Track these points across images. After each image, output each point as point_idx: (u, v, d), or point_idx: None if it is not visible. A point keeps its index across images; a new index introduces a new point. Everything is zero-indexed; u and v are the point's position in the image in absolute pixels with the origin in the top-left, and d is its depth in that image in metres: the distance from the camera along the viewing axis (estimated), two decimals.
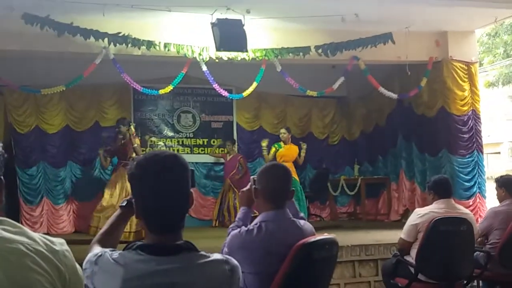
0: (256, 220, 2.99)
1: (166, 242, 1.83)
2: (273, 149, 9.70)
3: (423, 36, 9.08)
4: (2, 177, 1.67)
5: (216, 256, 1.89)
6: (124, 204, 2.32)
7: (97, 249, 2.00)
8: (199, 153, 11.25)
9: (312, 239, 2.94)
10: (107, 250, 1.91)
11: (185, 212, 1.93)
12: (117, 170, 8.94)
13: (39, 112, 10.20)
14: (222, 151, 11.03)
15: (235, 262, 1.93)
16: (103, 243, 2.18)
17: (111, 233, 2.29)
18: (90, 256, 1.90)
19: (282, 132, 9.87)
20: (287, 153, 9.62)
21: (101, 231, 2.30)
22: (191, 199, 1.94)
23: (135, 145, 8.79)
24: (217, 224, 10.35)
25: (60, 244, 1.60)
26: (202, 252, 1.86)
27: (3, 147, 1.69)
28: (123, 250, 1.87)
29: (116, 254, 1.85)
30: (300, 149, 9.87)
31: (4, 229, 1.51)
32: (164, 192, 1.87)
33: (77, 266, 1.63)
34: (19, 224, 1.56)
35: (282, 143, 9.76)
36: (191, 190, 1.97)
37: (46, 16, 7.23)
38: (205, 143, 11.41)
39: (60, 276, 1.53)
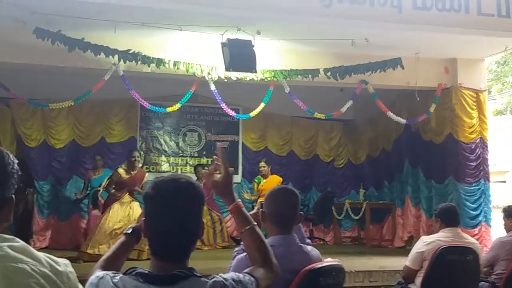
0: None
1: (165, 270, 1.79)
2: (255, 185, 9.88)
3: (432, 62, 9.09)
4: (13, 195, 1.66)
5: (214, 280, 1.83)
6: (129, 231, 2.29)
7: (99, 272, 1.97)
8: None
9: (319, 265, 2.90)
10: (110, 273, 1.88)
11: (192, 241, 1.88)
12: (122, 198, 8.52)
13: (47, 126, 10.24)
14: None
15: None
16: (105, 269, 2.12)
17: (114, 260, 2.25)
18: (92, 278, 1.88)
19: (262, 165, 9.98)
20: (268, 186, 9.62)
21: (104, 257, 2.26)
22: (200, 230, 1.89)
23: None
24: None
25: (64, 265, 1.60)
26: (203, 278, 1.81)
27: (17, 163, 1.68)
28: (124, 273, 1.84)
29: (116, 278, 1.82)
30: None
31: (10, 247, 1.51)
32: (172, 216, 1.83)
33: (80, 287, 1.64)
34: (25, 244, 1.56)
35: (261, 177, 9.90)
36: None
37: (57, 31, 7.27)
38: (210, 162, 11.37)
39: None
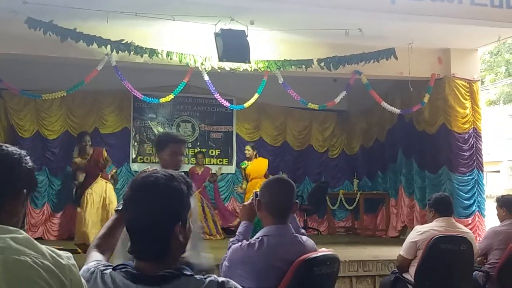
0: (258, 234, 2.96)
1: (146, 270, 1.75)
2: (242, 171, 9.99)
3: (425, 53, 9.09)
4: (25, 190, 1.69)
5: (210, 279, 1.77)
6: (120, 208, 2.26)
7: (92, 260, 1.95)
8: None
9: (314, 254, 2.91)
10: (100, 265, 1.86)
11: (165, 241, 1.76)
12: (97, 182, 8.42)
13: (40, 117, 10.20)
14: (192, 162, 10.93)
15: (230, 284, 1.82)
16: (100, 248, 2.15)
17: (108, 237, 2.26)
18: (83, 271, 1.84)
19: (247, 149, 10.03)
20: (254, 169, 9.69)
21: (98, 235, 2.27)
22: (176, 228, 1.78)
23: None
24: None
25: (67, 258, 1.60)
26: (198, 276, 1.76)
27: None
28: (113, 269, 1.81)
29: (106, 273, 1.80)
30: (276, 168, 9.97)
31: (12, 238, 1.51)
32: (142, 213, 1.77)
33: (82, 280, 1.63)
34: (28, 236, 1.56)
35: (246, 161, 9.93)
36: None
37: (49, 21, 7.21)
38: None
39: None
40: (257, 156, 10.00)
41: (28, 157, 1.71)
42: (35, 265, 1.49)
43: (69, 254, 1.62)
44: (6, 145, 1.70)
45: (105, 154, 8.59)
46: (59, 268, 1.54)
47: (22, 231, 1.57)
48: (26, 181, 1.70)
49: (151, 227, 1.76)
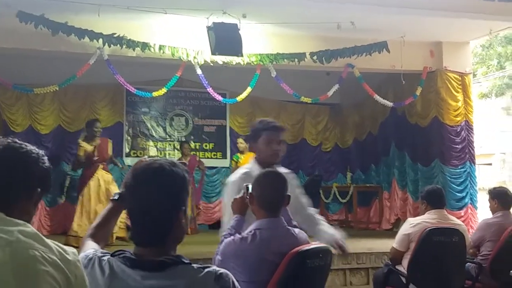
0: (251, 228, 2.96)
1: (146, 255, 1.77)
2: (233, 163, 9.84)
3: (418, 46, 9.10)
4: (39, 189, 1.71)
5: (208, 270, 1.78)
6: (116, 197, 2.29)
7: (89, 248, 1.96)
8: None
9: (306, 247, 2.92)
10: (98, 253, 1.88)
11: (167, 226, 1.80)
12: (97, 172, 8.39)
13: (32, 112, 10.16)
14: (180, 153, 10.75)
15: (229, 277, 1.82)
16: (95, 237, 2.16)
17: (103, 226, 2.26)
18: (81, 258, 1.85)
19: (240, 141, 9.96)
20: (247, 161, 9.54)
21: (93, 224, 2.27)
22: (179, 215, 1.83)
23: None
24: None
25: (73, 253, 1.61)
26: (195, 265, 1.77)
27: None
28: (111, 255, 1.83)
29: (104, 259, 1.82)
30: None
31: (20, 232, 1.52)
32: (142, 203, 1.80)
33: (85, 276, 1.65)
34: (36, 230, 1.57)
35: (239, 154, 9.86)
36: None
37: (40, 14, 7.18)
38: (197, 147, 11.37)
39: (69, 286, 1.55)
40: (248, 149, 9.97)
41: (45, 157, 1.76)
42: (42, 259, 1.49)
43: (74, 250, 1.64)
44: (25, 143, 1.74)
45: (111, 145, 8.65)
46: (66, 263, 1.55)
47: (29, 225, 1.58)
48: (42, 180, 1.73)
49: (157, 212, 1.79)
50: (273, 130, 3.60)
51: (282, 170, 3.51)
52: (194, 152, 10.93)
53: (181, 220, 1.83)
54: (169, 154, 11.13)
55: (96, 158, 8.32)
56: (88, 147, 8.32)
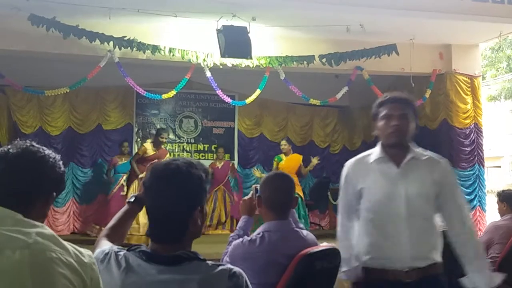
0: (259, 230, 2.95)
1: (163, 251, 1.81)
2: (275, 164, 9.71)
3: (427, 49, 9.10)
4: (55, 193, 1.75)
5: (222, 267, 1.82)
6: (132, 200, 2.35)
7: (105, 245, 2.00)
8: (199, 158, 11.19)
9: (315, 249, 2.92)
10: (114, 248, 1.92)
11: (183, 224, 1.84)
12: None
13: (43, 113, 10.22)
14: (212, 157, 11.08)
15: (243, 276, 1.86)
16: (110, 237, 2.19)
17: (118, 228, 2.30)
18: (98, 253, 1.90)
19: (283, 143, 9.86)
20: (288, 164, 9.48)
21: (108, 225, 2.30)
22: (196, 213, 1.87)
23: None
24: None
25: (88, 256, 1.64)
26: (210, 262, 1.82)
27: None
28: (127, 250, 1.87)
29: (121, 254, 1.86)
30: (308, 160, 9.71)
31: (38, 234, 1.55)
32: (159, 202, 1.84)
33: (100, 279, 1.67)
34: (53, 232, 1.60)
35: (282, 155, 9.74)
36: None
37: (52, 17, 7.25)
38: (206, 148, 11.41)
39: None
40: (292, 151, 9.89)
41: (61, 162, 1.79)
42: (59, 261, 1.52)
43: (90, 253, 1.67)
44: (43, 147, 1.76)
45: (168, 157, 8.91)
46: (82, 266, 1.58)
47: (46, 227, 1.61)
48: (57, 184, 1.77)
49: (173, 211, 1.83)
50: (389, 102, 3.03)
51: (420, 152, 3.10)
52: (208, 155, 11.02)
53: (197, 219, 1.87)
54: (178, 155, 11.15)
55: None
56: (150, 151, 8.84)
